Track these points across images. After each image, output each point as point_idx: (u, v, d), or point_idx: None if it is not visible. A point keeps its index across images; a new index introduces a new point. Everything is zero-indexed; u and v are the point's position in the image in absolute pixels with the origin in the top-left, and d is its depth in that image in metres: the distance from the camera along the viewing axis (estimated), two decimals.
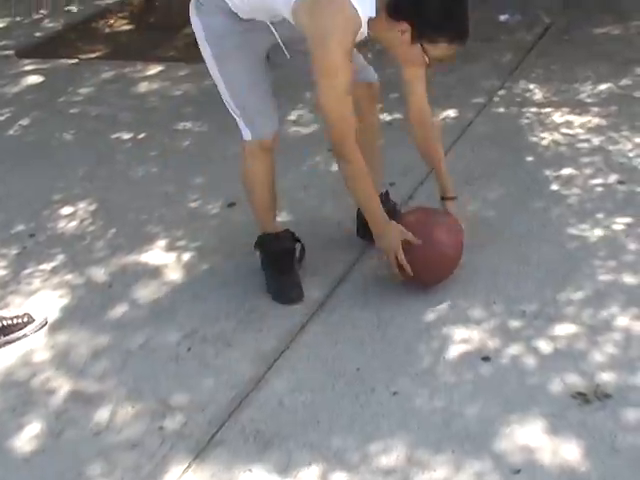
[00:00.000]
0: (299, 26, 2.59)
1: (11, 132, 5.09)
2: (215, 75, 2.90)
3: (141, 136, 4.75)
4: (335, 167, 2.95)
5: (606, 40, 5.61)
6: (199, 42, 2.88)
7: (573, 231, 3.36)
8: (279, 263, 3.10)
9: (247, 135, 2.95)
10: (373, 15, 2.55)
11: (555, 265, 3.12)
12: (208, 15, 2.81)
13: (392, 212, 3.13)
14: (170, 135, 4.71)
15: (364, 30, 2.59)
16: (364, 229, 3.15)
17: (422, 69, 2.86)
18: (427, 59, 2.61)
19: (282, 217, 3.48)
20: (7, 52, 6.77)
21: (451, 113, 4.58)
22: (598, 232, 3.33)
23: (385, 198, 3.22)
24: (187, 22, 6.39)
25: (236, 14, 2.77)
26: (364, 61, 3.13)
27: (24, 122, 5.20)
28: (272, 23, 2.79)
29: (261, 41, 2.86)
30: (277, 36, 2.82)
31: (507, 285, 3.02)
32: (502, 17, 6.01)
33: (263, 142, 2.96)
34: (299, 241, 3.20)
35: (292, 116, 4.68)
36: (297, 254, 3.18)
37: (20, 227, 3.85)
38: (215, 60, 2.85)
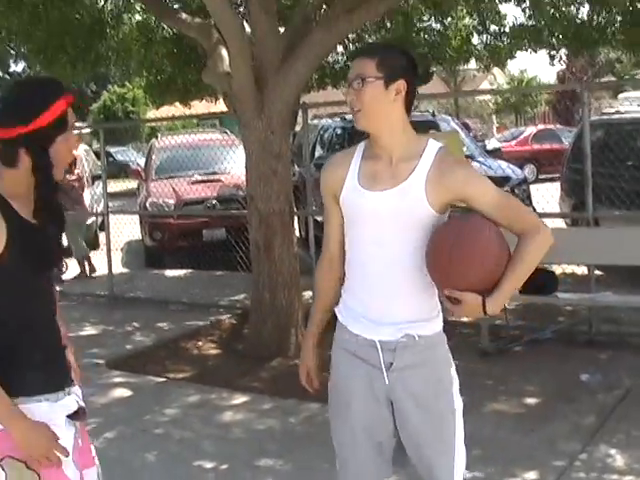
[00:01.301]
0: None
1: (96, 443, 5.33)
2: None
3: (223, 467, 4.97)
4: None
5: None
6: None
7: None
8: None
9: None
10: None
11: None
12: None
13: None
14: (252, 470, 4.89)
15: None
16: None
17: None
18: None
19: None
20: (98, 360, 7.28)
21: (532, 475, 4.70)
22: None
23: None
24: (274, 354, 6.90)
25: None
26: None
27: (109, 435, 5.51)
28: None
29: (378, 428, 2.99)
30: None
31: None
32: (583, 377, 6.26)
33: None
34: None
35: None
36: None
37: None
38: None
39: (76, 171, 11.53)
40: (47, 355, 2.66)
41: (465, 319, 7.62)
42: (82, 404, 2.75)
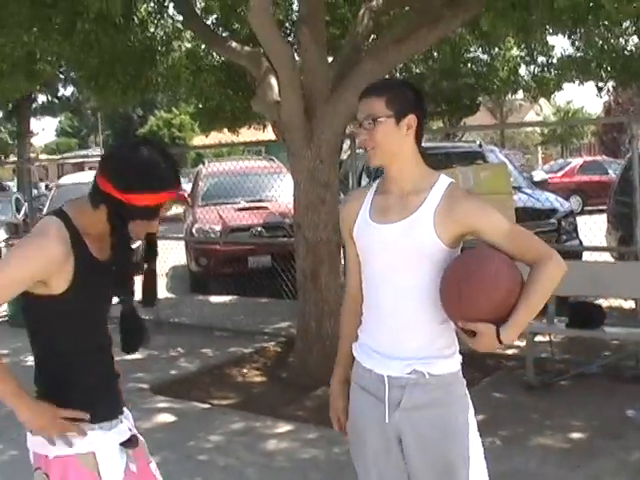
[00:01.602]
0: None
1: None
2: None
3: None
4: None
5: None
6: None
7: None
8: None
9: None
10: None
11: None
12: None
13: None
14: None
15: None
16: None
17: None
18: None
19: None
20: (142, 385, 7.34)
21: None
22: None
23: None
24: (319, 383, 6.89)
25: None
26: None
27: (153, 460, 5.54)
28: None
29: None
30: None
31: None
32: (629, 412, 6.19)
33: None
34: None
35: None
36: None
37: None
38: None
39: None
40: (103, 384, 2.73)
41: (510, 351, 7.62)
42: (135, 431, 2.80)
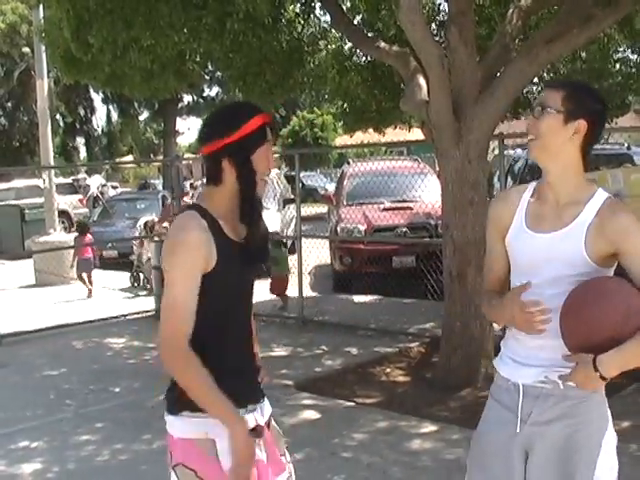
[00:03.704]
0: None
1: None
2: None
3: None
4: None
5: None
6: None
7: None
8: None
9: None
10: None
11: None
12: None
13: None
14: None
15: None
16: None
17: None
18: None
19: None
20: (287, 382, 7.53)
21: None
22: None
23: None
24: (463, 384, 6.89)
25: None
26: None
27: (297, 456, 5.58)
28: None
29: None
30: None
31: None
32: None
33: None
34: None
35: None
36: None
37: None
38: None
39: None
40: (235, 374, 2.83)
41: None
42: (261, 422, 2.89)
